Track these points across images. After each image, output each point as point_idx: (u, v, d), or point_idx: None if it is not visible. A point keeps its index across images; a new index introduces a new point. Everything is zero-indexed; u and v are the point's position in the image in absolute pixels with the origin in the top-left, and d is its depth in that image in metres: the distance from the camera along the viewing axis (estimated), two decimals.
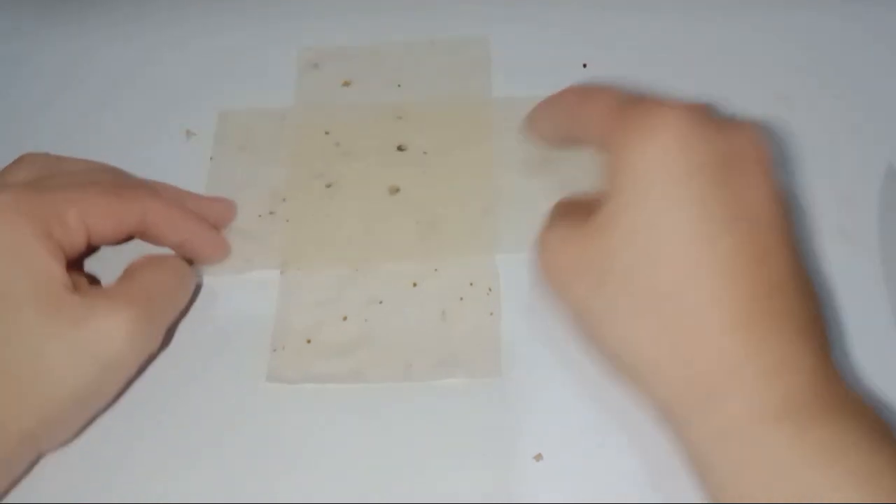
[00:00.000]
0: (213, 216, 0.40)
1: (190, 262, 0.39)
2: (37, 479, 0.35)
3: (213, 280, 0.40)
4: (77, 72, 0.48)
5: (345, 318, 0.39)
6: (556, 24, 0.49)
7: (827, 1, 0.49)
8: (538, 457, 0.35)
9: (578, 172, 0.42)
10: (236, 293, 0.40)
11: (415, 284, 0.40)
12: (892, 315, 0.39)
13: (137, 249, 0.38)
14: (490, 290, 0.40)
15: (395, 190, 0.43)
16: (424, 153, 0.44)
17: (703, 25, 0.49)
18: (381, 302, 0.39)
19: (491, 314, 0.39)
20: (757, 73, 0.47)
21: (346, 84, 0.47)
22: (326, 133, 0.45)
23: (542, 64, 0.47)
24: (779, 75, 0.47)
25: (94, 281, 0.39)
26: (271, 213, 0.42)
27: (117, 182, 0.37)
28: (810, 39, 0.48)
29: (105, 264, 0.40)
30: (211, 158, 0.44)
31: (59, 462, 0.35)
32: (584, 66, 0.48)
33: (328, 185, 0.43)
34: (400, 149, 0.44)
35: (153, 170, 0.43)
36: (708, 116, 0.30)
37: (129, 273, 0.35)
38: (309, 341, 0.38)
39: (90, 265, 0.40)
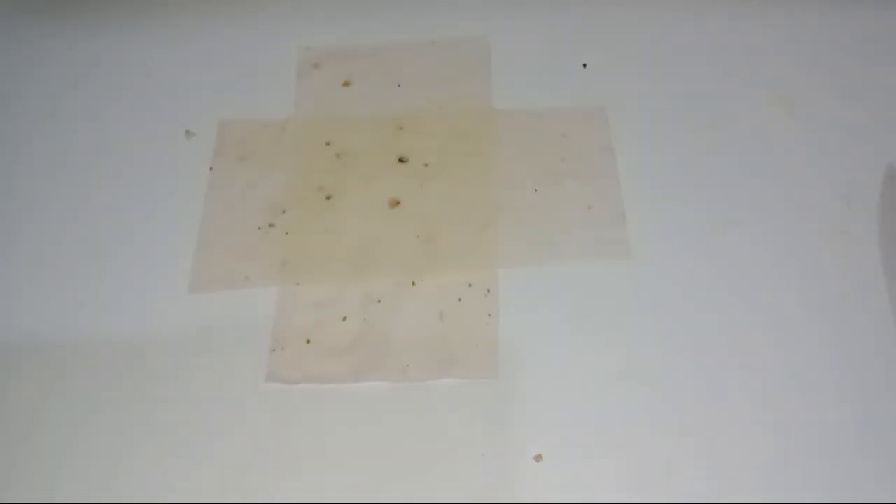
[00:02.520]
0: None
1: None
2: (35, 475, 0.35)
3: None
4: (78, 74, 0.48)
5: (344, 319, 0.39)
6: (557, 24, 0.49)
7: (828, 1, 0.49)
8: (538, 457, 0.35)
9: (584, 186, 0.43)
10: (236, 294, 0.40)
11: (413, 283, 0.40)
12: (893, 315, 0.39)
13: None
14: (488, 291, 0.40)
15: (395, 203, 0.43)
16: (425, 165, 0.44)
17: (703, 25, 0.49)
18: (379, 301, 0.39)
19: (489, 315, 0.39)
20: (757, 72, 0.47)
21: (346, 84, 0.47)
22: (327, 144, 0.45)
23: (542, 64, 0.47)
24: (779, 75, 0.47)
25: None
26: (271, 225, 0.42)
27: None
28: (811, 39, 0.48)
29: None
30: (210, 168, 0.44)
31: (61, 459, 0.36)
32: (584, 66, 0.47)
33: (328, 197, 0.43)
34: (401, 160, 0.44)
35: (153, 177, 0.43)
36: None
37: None
38: (308, 342, 0.38)
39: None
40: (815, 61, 0.47)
